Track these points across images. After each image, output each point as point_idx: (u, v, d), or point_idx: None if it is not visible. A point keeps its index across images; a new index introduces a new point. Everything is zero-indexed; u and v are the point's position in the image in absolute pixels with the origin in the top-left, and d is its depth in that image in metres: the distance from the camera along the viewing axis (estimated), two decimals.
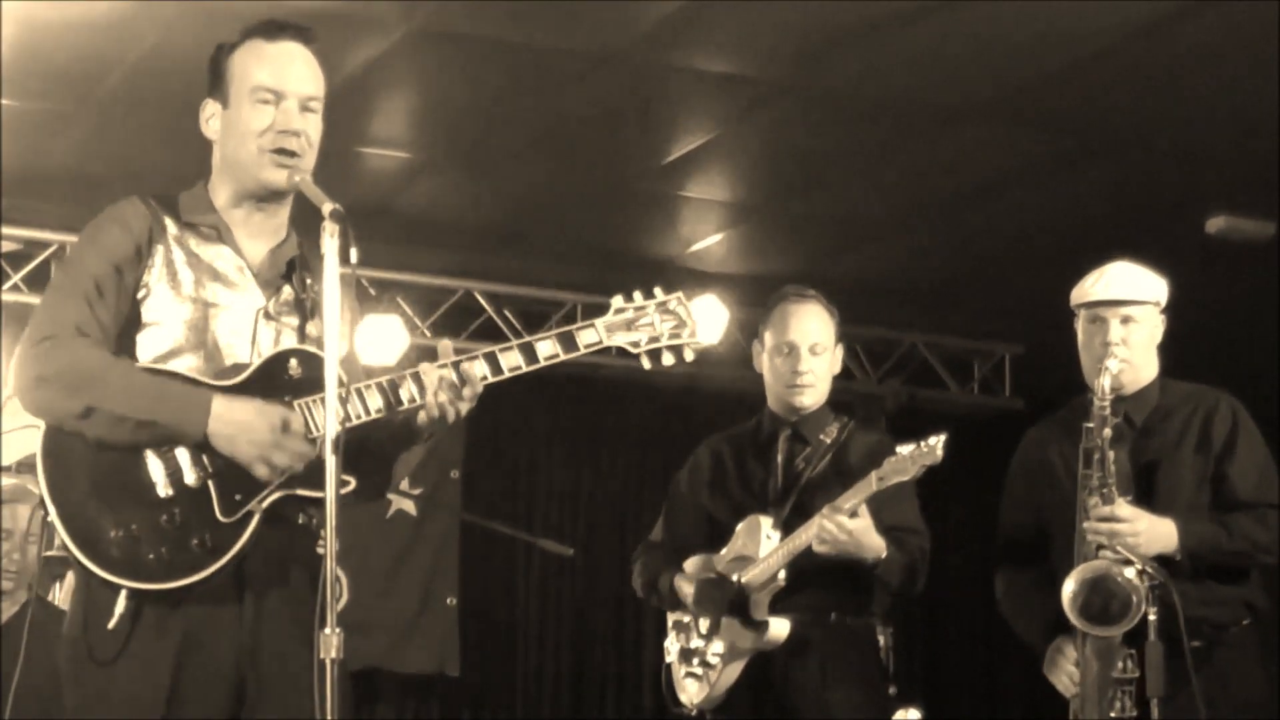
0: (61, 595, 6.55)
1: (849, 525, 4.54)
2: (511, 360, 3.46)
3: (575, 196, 7.74)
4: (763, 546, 4.75)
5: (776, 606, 4.72)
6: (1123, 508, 4.37)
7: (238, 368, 3.40)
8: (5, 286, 7.99)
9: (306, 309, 3.45)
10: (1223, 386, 4.70)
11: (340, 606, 3.08)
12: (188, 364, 3.38)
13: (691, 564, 4.91)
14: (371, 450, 3.47)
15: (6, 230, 7.91)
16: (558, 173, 7.47)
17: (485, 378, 3.43)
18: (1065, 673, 4.48)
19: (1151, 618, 4.20)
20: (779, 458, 4.90)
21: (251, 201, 3.49)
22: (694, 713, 4.85)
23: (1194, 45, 6.07)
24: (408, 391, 3.39)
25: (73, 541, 3.29)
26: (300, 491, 3.35)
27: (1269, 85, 6.24)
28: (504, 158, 7.29)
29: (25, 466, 6.34)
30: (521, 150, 7.20)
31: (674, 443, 9.02)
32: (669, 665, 4.94)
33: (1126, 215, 7.65)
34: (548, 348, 3.48)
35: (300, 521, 3.40)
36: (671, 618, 5.01)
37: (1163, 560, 4.30)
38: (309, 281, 3.45)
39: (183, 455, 3.32)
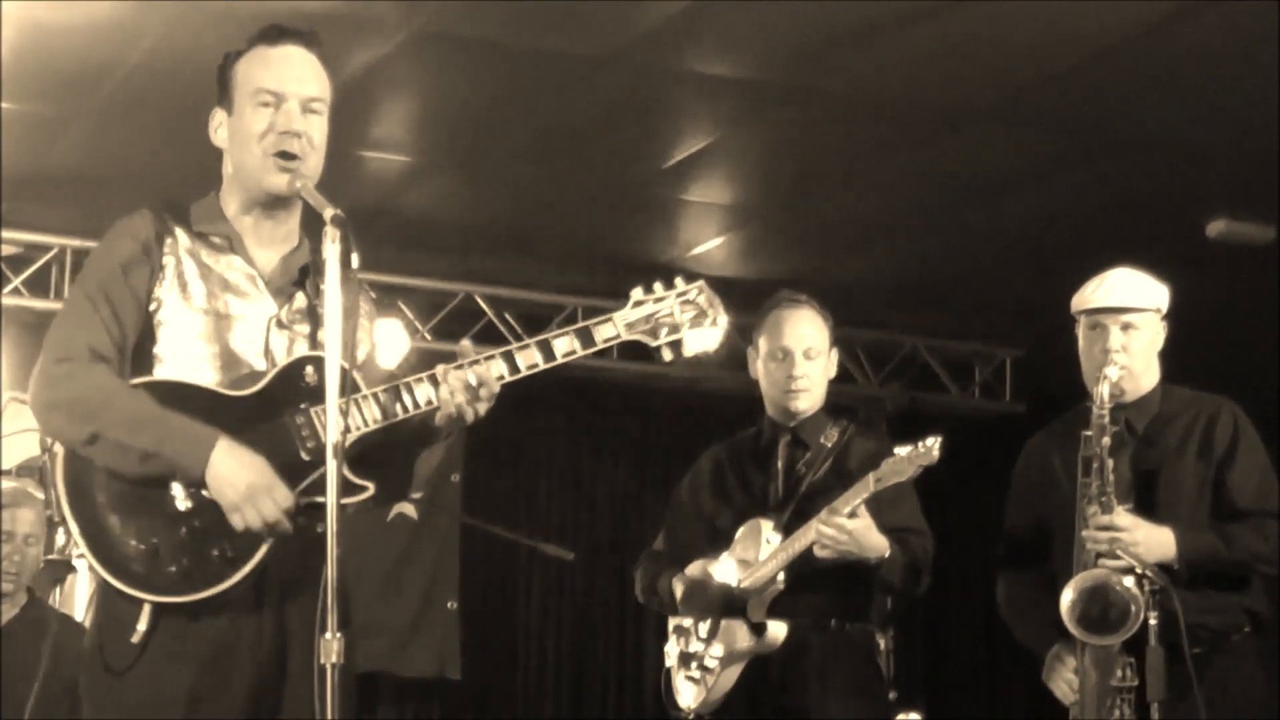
0: (61, 598, 6.57)
1: (848, 527, 4.54)
2: (529, 358, 3.45)
3: (576, 200, 7.75)
4: (763, 550, 4.75)
5: (776, 611, 4.71)
6: (1121, 516, 4.37)
7: (254, 377, 3.40)
8: (6, 290, 7.99)
9: (319, 316, 3.44)
10: (1223, 391, 4.70)
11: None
12: (203, 376, 3.38)
13: (693, 568, 4.91)
14: (391, 453, 3.47)
15: (7, 234, 7.91)
16: (559, 176, 7.47)
17: (502, 377, 3.42)
18: (1064, 680, 4.47)
19: (1152, 623, 4.20)
20: (779, 463, 4.90)
21: (260, 209, 3.48)
22: (692, 716, 4.84)
23: (1194, 48, 6.07)
24: (425, 393, 3.39)
25: (95, 557, 3.30)
26: (320, 499, 3.33)
27: (1269, 87, 6.24)
28: (505, 161, 7.30)
29: (25, 470, 6.36)
30: (522, 153, 7.20)
31: (675, 446, 9.06)
32: (668, 669, 4.95)
33: (1127, 218, 7.65)
34: (565, 344, 3.47)
35: (319, 530, 3.38)
36: (672, 622, 5.02)
37: (1161, 569, 4.30)
38: (322, 287, 3.44)
39: None
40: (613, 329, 3.52)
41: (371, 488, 3.39)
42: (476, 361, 3.40)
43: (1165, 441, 4.58)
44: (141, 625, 3.27)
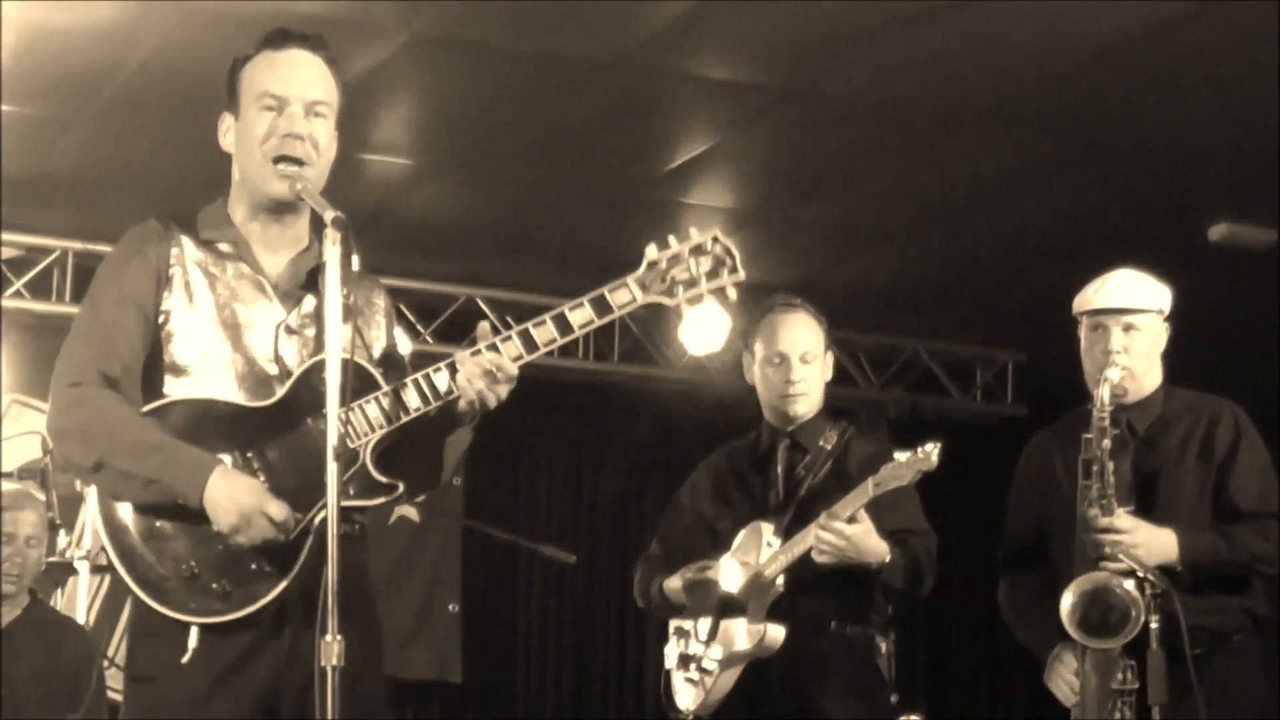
0: (63, 600, 6.57)
1: (847, 531, 4.54)
2: (545, 334, 3.41)
3: (577, 203, 7.75)
4: (763, 553, 4.75)
5: (776, 614, 4.71)
6: (1122, 519, 4.36)
7: (273, 384, 3.40)
8: (8, 293, 7.99)
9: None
10: (1224, 392, 4.69)
11: None
12: (216, 385, 3.39)
13: (692, 567, 4.91)
14: (416, 446, 3.46)
15: (9, 236, 7.92)
16: (560, 179, 7.47)
17: (520, 357, 3.39)
18: (1065, 682, 4.47)
19: (1153, 625, 4.20)
20: (779, 467, 4.90)
21: (266, 213, 3.48)
22: (690, 718, 4.84)
23: (1196, 49, 6.07)
24: (444, 382, 3.37)
25: (136, 584, 3.31)
26: (349, 503, 3.34)
27: (1270, 89, 6.24)
28: (506, 164, 7.30)
29: (27, 471, 6.36)
30: (523, 156, 7.20)
31: (675, 449, 9.05)
32: (668, 671, 4.94)
33: (1129, 220, 7.65)
34: (581, 315, 3.43)
35: (342, 531, 3.37)
36: (672, 624, 5.01)
37: (1163, 571, 4.29)
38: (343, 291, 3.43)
39: None
40: (628, 294, 3.46)
41: (401, 486, 3.38)
42: (493, 345, 3.38)
43: (1166, 443, 4.57)
44: (192, 643, 3.28)
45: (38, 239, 8.00)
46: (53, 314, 7.92)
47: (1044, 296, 5.76)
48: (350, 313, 3.20)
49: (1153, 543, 4.35)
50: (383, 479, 3.38)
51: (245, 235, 3.48)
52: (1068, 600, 4.32)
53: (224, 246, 3.47)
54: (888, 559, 4.61)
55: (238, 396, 3.39)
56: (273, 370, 3.41)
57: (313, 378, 3.34)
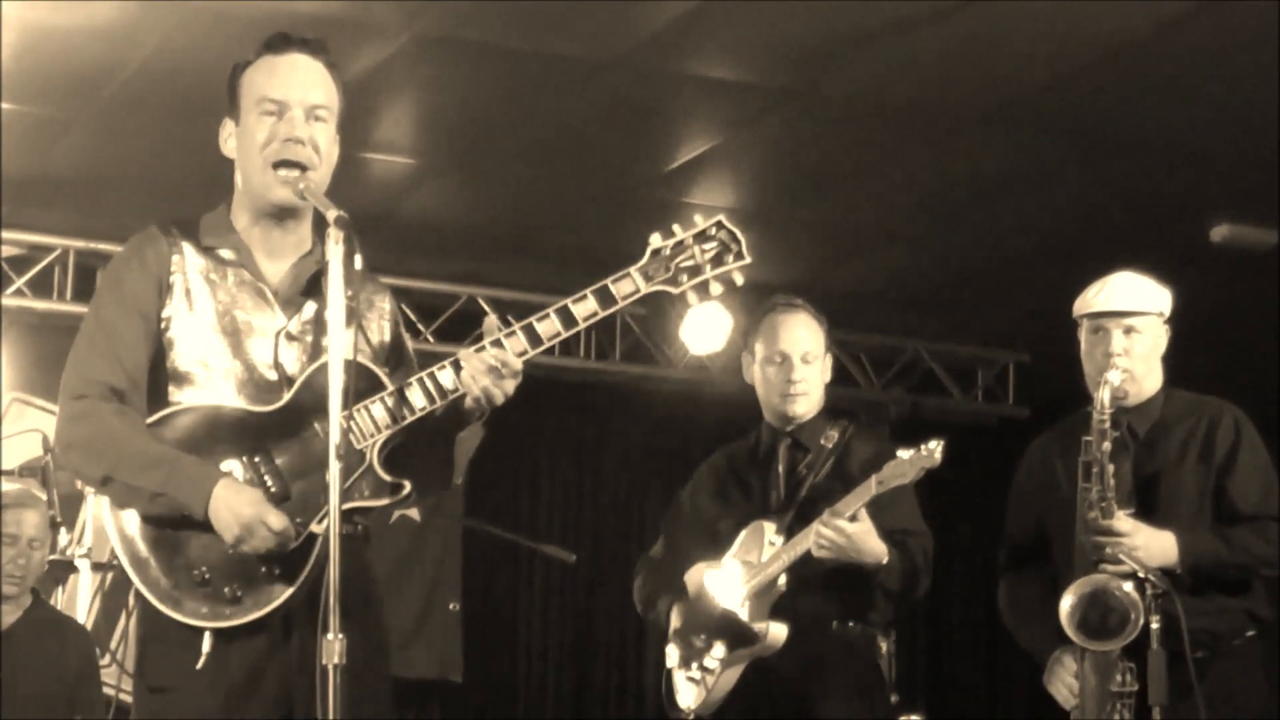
0: (64, 599, 6.57)
1: (848, 530, 4.54)
2: (549, 328, 3.41)
3: (579, 202, 7.75)
4: (765, 552, 4.75)
5: (778, 614, 4.71)
6: (1122, 521, 4.36)
7: (279, 389, 3.40)
8: (8, 291, 7.99)
9: (326, 323, 3.42)
10: (1224, 394, 4.69)
11: None
12: (218, 392, 3.39)
13: (693, 576, 4.90)
14: (425, 445, 3.46)
15: (10, 235, 7.92)
16: (561, 179, 7.48)
17: (525, 352, 3.38)
18: (1065, 684, 4.47)
19: (1154, 627, 4.20)
20: (780, 467, 4.90)
21: (268, 219, 3.48)
22: (691, 717, 4.84)
23: (1197, 51, 6.07)
24: (449, 380, 3.37)
25: (151, 593, 3.33)
26: (357, 504, 3.35)
27: (1271, 90, 6.24)
28: (507, 164, 7.30)
29: (28, 470, 6.36)
30: (524, 156, 7.20)
31: (676, 449, 9.06)
32: (669, 670, 4.94)
33: (1130, 221, 7.65)
34: (585, 307, 3.42)
35: (344, 531, 3.37)
36: (674, 622, 5.01)
37: (1163, 573, 4.29)
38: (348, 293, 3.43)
39: None
40: (631, 284, 3.44)
41: (408, 486, 3.39)
42: (497, 341, 3.37)
43: (1167, 446, 4.57)
44: (205, 647, 3.30)
45: (39, 237, 8.00)
46: (54, 312, 7.92)
47: (1045, 297, 5.76)
48: (353, 314, 3.20)
49: (1153, 545, 4.35)
50: (391, 479, 3.38)
51: (247, 241, 3.48)
52: (1067, 602, 4.33)
53: (225, 253, 3.47)
54: (885, 561, 4.61)
55: (239, 403, 3.39)
56: (272, 377, 3.41)
57: (318, 381, 3.33)
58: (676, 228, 3.51)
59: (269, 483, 3.35)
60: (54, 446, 3.52)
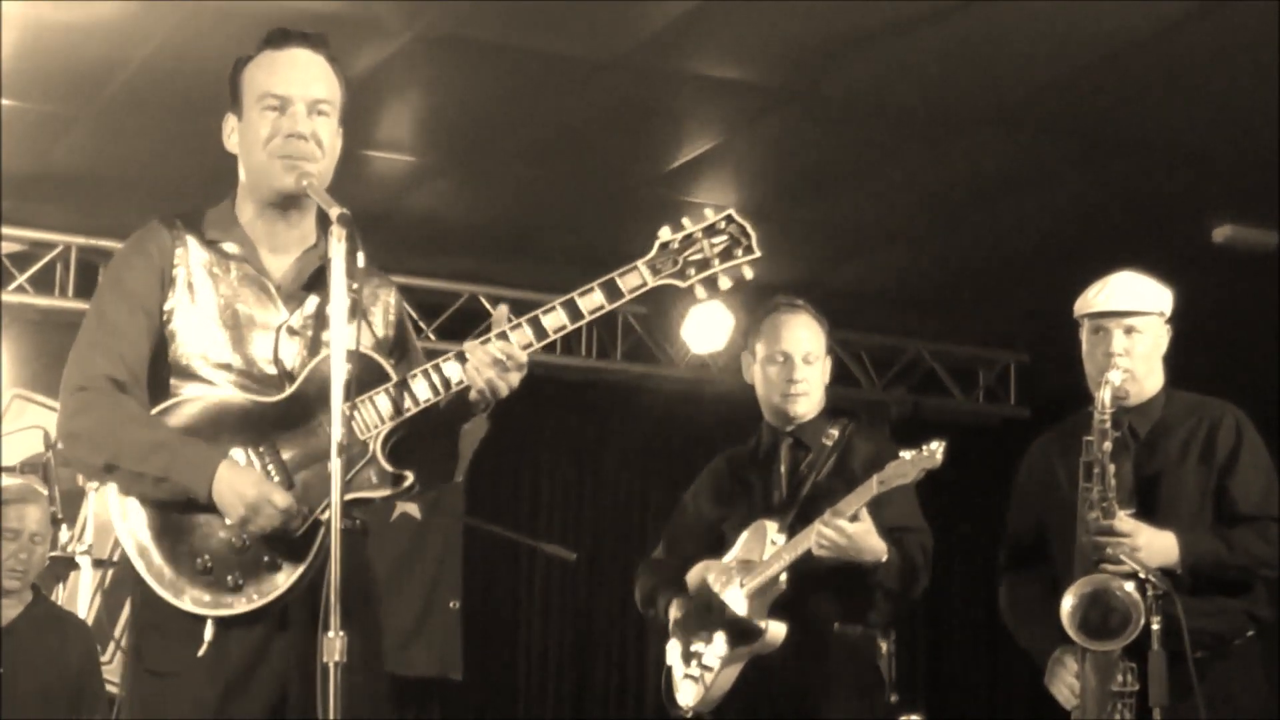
0: (65, 595, 6.58)
1: (849, 530, 4.55)
2: (555, 321, 3.40)
3: (580, 201, 7.75)
4: (767, 551, 4.76)
5: (778, 613, 4.72)
6: (1123, 521, 4.36)
7: (271, 387, 3.40)
8: (11, 288, 7.99)
9: (328, 318, 3.42)
10: (1225, 395, 4.69)
11: None
12: (223, 387, 3.40)
13: (694, 574, 4.91)
14: (429, 436, 3.46)
15: (13, 231, 7.92)
16: (563, 177, 7.48)
17: (530, 345, 3.38)
18: (1066, 684, 4.47)
19: (1155, 627, 4.19)
20: (782, 466, 4.91)
21: (273, 211, 3.48)
22: (690, 715, 4.85)
23: (1199, 52, 6.08)
24: (454, 372, 3.37)
25: (154, 581, 3.33)
26: (359, 494, 3.35)
27: (1273, 91, 6.24)
28: (509, 162, 7.30)
29: (29, 466, 6.37)
30: (526, 155, 7.21)
31: (677, 448, 9.07)
32: (669, 667, 4.95)
33: (1131, 222, 7.65)
34: (591, 301, 3.41)
35: (343, 526, 3.38)
36: (674, 620, 5.01)
37: (1163, 573, 4.29)
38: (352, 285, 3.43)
39: None
40: (638, 277, 3.43)
41: (410, 477, 3.38)
42: (502, 333, 3.37)
43: (1167, 446, 4.57)
44: (207, 636, 3.30)
45: (41, 234, 8.00)
46: (55, 309, 7.93)
47: (1046, 298, 5.76)
48: (357, 307, 3.20)
49: (1153, 545, 4.35)
50: (394, 471, 3.38)
51: (251, 235, 3.49)
52: (1068, 602, 4.33)
53: (229, 247, 3.48)
54: (884, 559, 4.62)
55: (242, 394, 3.40)
56: (272, 371, 3.42)
57: (324, 372, 3.32)
58: (686, 221, 3.50)
59: (273, 473, 3.36)
60: (56, 439, 3.53)
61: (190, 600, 3.31)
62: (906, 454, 4.55)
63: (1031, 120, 6.73)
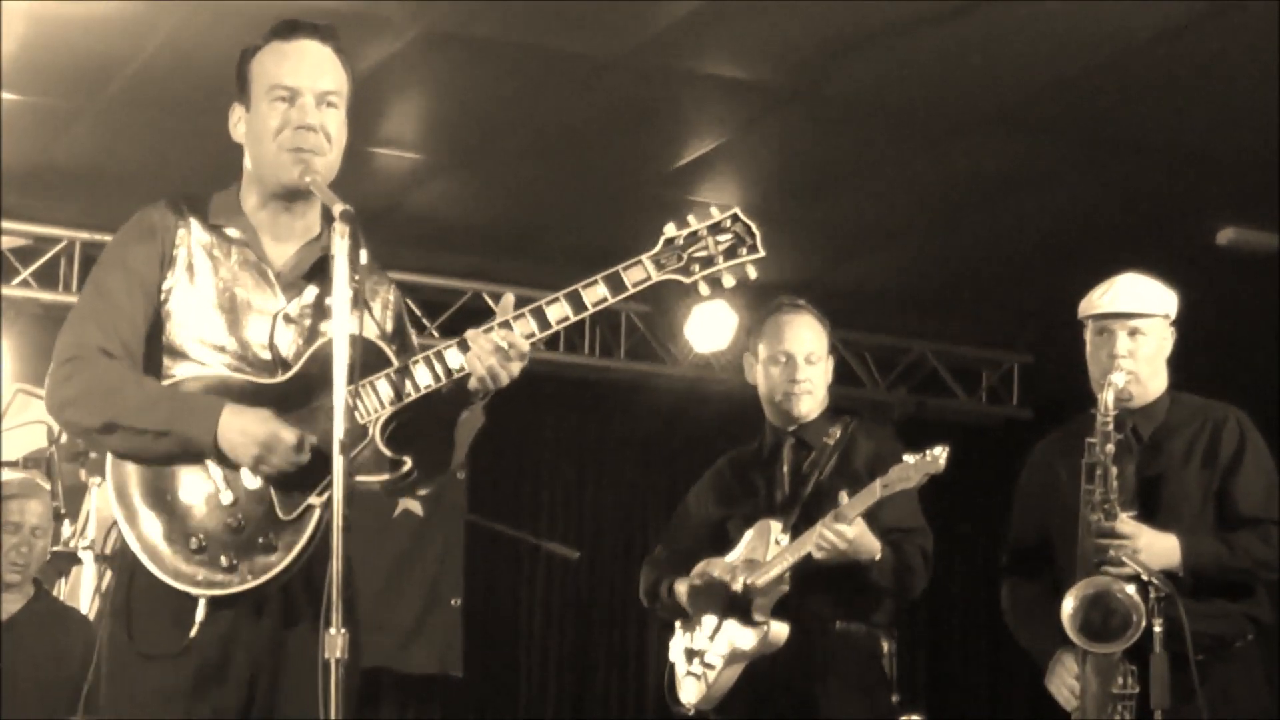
0: (66, 590, 6.58)
1: (849, 534, 4.56)
2: (558, 312, 3.39)
3: (584, 200, 7.76)
4: (770, 550, 4.76)
5: (781, 612, 4.72)
6: (1124, 524, 4.36)
7: (270, 371, 3.40)
8: (14, 282, 8.00)
9: (327, 309, 3.40)
10: (1228, 397, 4.69)
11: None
12: (218, 370, 3.39)
13: (698, 569, 4.91)
14: (428, 423, 3.45)
15: (17, 226, 7.92)
16: (567, 176, 7.48)
17: (532, 335, 3.37)
18: (1066, 685, 4.47)
19: (1156, 630, 4.19)
20: (785, 466, 4.92)
21: (277, 202, 3.48)
22: (692, 713, 4.86)
23: (1202, 54, 6.07)
24: (456, 359, 3.37)
25: (147, 558, 3.32)
26: (358, 478, 3.33)
27: (1274, 94, 6.24)
28: (513, 160, 7.31)
29: (32, 461, 6.37)
30: (530, 153, 7.21)
31: (679, 446, 9.07)
32: (672, 665, 4.96)
33: (1135, 223, 7.65)
34: (595, 293, 3.40)
35: (328, 520, 3.36)
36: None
37: (1165, 576, 4.29)
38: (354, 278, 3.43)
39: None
40: (642, 272, 3.42)
41: (409, 462, 3.38)
42: (505, 322, 3.37)
43: (1170, 449, 4.57)
44: (200, 615, 3.28)
45: (45, 229, 8.01)
46: (59, 304, 7.93)
47: (1050, 299, 5.76)
48: (358, 299, 3.20)
49: (1155, 548, 4.35)
50: (392, 455, 3.38)
51: (254, 223, 3.49)
52: (1069, 605, 4.32)
53: (231, 232, 3.48)
54: (878, 557, 4.62)
55: (240, 376, 3.39)
56: (266, 357, 3.42)
57: (327, 356, 3.30)
58: (691, 218, 3.50)
59: None
60: (49, 411, 3.47)
61: (184, 579, 3.29)
62: (909, 457, 4.55)
63: (1034, 122, 6.73)
